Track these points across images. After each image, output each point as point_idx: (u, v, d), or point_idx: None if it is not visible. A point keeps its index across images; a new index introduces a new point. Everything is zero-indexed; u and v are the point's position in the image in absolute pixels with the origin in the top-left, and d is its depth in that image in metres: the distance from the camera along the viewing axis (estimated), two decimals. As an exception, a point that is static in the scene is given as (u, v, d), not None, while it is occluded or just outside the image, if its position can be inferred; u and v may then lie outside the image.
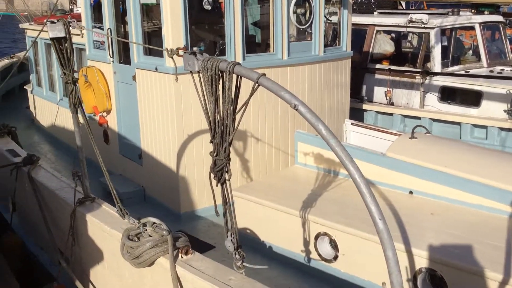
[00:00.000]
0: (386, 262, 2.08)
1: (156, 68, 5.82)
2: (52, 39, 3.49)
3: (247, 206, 5.14)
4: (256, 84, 2.39)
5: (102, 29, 6.85)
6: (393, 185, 4.93)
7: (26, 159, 5.40)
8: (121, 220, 3.88)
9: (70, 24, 3.56)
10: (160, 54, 5.85)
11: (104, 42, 6.91)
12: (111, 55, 6.76)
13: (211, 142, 2.74)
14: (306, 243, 4.64)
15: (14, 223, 5.88)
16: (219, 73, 2.57)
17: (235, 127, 2.67)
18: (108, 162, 7.02)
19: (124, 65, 6.63)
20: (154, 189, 6.44)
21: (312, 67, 6.87)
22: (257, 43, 7.28)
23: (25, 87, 11.22)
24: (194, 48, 2.62)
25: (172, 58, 2.78)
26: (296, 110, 2.24)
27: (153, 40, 6.28)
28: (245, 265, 2.96)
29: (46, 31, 3.63)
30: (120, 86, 6.80)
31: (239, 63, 2.53)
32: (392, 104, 9.71)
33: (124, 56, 6.70)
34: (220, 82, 2.62)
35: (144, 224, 3.44)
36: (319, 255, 4.53)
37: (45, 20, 3.46)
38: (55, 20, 3.43)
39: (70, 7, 13.22)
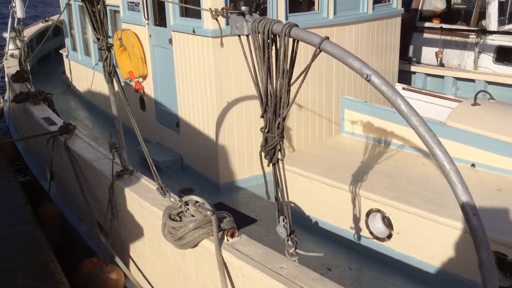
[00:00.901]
0: (480, 265, 1.74)
1: (194, 31, 5.47)
2: (83, 0, 3.17)
3: (289, 178, 4.78)
4: (318, 50, 2.02)
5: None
6: (453, 158, 4.47)
7: (62, 128, 5.22)
8: (161, 196, 3.64)
9: (102, -17, 3.22)
10: (197, 15, 5.48)
11: (138, 3, 6.57)
12: (146, 17, 6.43)
13: (262, 117, 2.41)
14: (356, 219, 4.32)
15: (52, 192, 5.80)
16: (272, 36, 2.20)
17: (290, 100, 2.32)
18: (144, 129, 6.81)
19: (159, 27, 6.30)
20: (192, 158, 6.21)
21: (360, 27, 6.36)
22: (299, 1, 6.78)
23: (60, 51, 11.07)
24: (243, 8, 2.25)
25: (217, 19, 2.43)
26: (368, 81, 1.87)
27: (189, 1, 5.90)
28: (298, 252, 2.67)
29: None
30: (156, 50, 6.50)
31: (296, 25, 2.14)
32: (442, 65, 9.07)
33: (159, 18, 6.36)
34: (273, 47, 2.25)
35: (187, 203, 3.18)
36: (371, 233, 4.21)
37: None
38: (85, -21, 3.11)
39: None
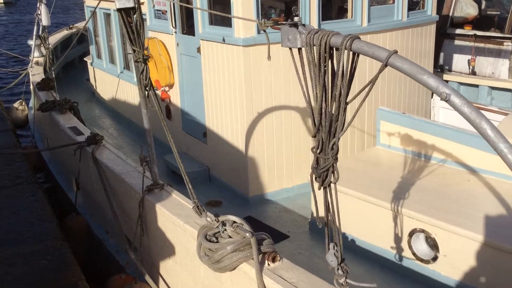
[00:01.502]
0: None
1: (223, 39, 5.31)
2: (119, 10, 3.02)
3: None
4: (385, 65, 1.82)
5: (164, -3, 6.39)
6: (502, 175, 4.22)
7: (89, 139, 5.10)
8: (194, 213, 3.46)
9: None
10: (227, 24, 5.33)
11: (166, 11, 6.45)
12: (174, 25, 6.30)
13: (314, 136, 2.21)
14: (397, 239, 4.08)
15: (78, 203, 5.67)
16: (329, 50, 2.01)
17: (345, 119, 2.13)
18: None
19: (187, 36, 6.16)
20: (219, 170, 6.04)
21: (394, 34, 6.13)
22: (330, 9, 6.58)
23: (85, 59, 11.05)
24: (296, 18, 2.07)
25: (264, 31, 2.25)
26: (447, 101, 1.66)
27: (216, 8, 5.74)
28: (348, 282, 2.46)
29: (105, 0, 3.19)
30: (183, 59, 6.36)
31: (358, 37, 1.95)
32: (474, 73, 8.74)
33: (187, 26, 6.23)
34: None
35: (224, 223, 3.00)
36: (414, 254, 3.96)
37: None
38: (122, -12, 2.95)
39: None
